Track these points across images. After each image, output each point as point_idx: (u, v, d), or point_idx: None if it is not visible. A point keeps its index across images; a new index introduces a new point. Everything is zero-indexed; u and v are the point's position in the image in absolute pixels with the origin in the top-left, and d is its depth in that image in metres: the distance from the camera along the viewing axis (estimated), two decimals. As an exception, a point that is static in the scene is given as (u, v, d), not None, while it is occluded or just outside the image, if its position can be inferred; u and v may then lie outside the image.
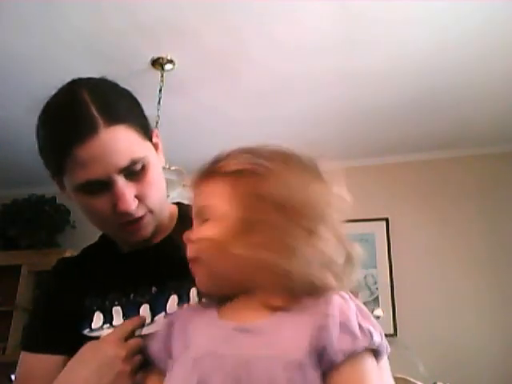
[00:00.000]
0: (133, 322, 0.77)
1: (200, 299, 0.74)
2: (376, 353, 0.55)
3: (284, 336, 0.54)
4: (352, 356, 0.52)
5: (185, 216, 0.81)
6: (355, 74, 2.55)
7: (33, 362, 0.82)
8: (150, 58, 2.43)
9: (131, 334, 0.75)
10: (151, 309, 0.79)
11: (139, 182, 0.77)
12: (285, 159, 0.63)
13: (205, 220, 0.62)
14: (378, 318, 2.96)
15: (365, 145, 3.35)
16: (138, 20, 2.18)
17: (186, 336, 0.60)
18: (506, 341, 2.94)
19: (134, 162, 0.75)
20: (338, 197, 0.63)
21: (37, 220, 3.58)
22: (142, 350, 0.70)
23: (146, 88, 2.39)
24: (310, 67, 2.51)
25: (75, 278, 0.87)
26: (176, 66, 2.47)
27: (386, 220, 3.33)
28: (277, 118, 3.00)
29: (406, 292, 3.15)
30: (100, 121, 0.72)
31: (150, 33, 2.27)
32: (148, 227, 0.80)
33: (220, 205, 0.61)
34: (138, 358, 0.72)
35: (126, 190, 0.74)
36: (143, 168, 0.77)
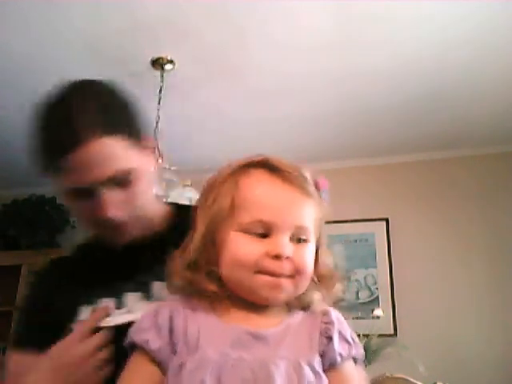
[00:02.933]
0: (97, 314, 0.77)
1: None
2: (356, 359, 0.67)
3: (294, 342, 0.62)
4: (346, 360, 0.64)
5: (181, 217, 0.80)
6: (355, 73, 2.55)
7: (22, 360, 0.82)
8: (150, 58, 2.43)
9: (97, 327, 0.75)
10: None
11: (125, 190, 0.79)
12: None
13: (301, 239, 0.65)
14: (378, 317, 2.96)
15: (365, 145, 3.35)
16: (138, 20, 2.18)
17: (190, 334, 0.60)
18: (505, 341, 2.94)
19: (119, 173, 0.77)
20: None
21: (37, 220, 3.58)
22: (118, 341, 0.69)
23: (146, 88, 2.39)
24: (310, 67, 2.51)
25: (68, 281, 0.88)
26: (176, 66, 2.47)
27: (386, 220, 3.33)
28: (277, 118, 3.00)
29: (405, 292, 3.15)
30: (89, 132, 0.74)
31: (150, 33, 2.27)
32: (132, 232, 0.83)
33: (312, 228, 0.67)
34: (105, 352, 0.73)
35: (109, 199, 0.77)
36: (130, 178, 0.79)
